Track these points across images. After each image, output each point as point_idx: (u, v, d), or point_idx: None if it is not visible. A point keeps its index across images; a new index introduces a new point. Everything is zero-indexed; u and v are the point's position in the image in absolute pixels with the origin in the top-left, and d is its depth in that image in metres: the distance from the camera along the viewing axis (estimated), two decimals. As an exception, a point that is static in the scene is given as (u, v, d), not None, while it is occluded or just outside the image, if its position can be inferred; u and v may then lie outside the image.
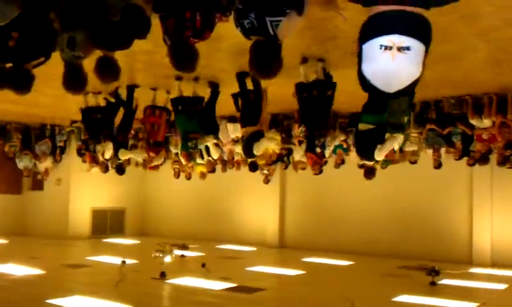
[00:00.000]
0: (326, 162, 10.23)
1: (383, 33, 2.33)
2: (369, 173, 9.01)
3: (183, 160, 10.28)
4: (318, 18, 5.83)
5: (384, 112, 7.17)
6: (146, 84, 9.85)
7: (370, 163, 8.06)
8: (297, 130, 10.44)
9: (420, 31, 2.38)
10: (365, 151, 7.30)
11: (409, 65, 2.33)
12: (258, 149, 8.99)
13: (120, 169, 11.70)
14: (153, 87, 9.99)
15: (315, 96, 7.58)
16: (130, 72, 8.91)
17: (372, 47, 2.34)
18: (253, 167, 10.82)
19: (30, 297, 9.38)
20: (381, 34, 2.33)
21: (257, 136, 8.71)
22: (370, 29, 2.38)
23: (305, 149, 8.52)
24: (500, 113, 9.47)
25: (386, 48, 2.31)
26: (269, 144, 8.32)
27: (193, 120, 9.37)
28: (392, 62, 2.30)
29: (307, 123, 8.10)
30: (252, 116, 8.43)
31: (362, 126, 7.27)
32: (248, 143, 8.38)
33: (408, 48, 2.30)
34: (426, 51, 2.40)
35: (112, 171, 11.79)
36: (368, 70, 2.38)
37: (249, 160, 10.03)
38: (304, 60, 7.74)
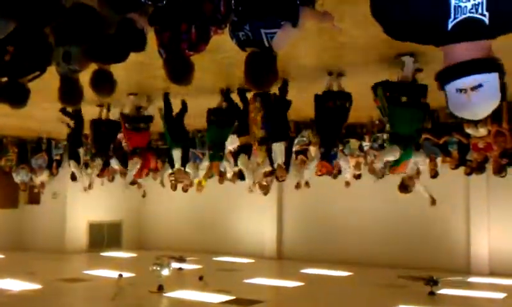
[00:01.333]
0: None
1: (456, 78, 2.52)
2: (403, 187, 9.17)
3: (215, 171, 10.21)
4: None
5: None
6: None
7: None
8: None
9: (488, 62, 2.53)
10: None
11: (486, 98, 2.50)
12: (241, 161, 9.18)
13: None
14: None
15: (335, 107, 7.82)
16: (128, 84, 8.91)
17: (450, 90, 2.56)
18: (240, 176, 10.76)
19: (27, 312, 9.33)
20: (454, 79, 2.53)
21: (246, 148, 8.92)
22: (446, 74, 2.58)
23: (320, 158, 8.69)
24: (495, 122, 9.50)
25: (461, 91, 2.49)
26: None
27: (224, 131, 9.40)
28: (469, 103, 2.50)
29: (324, 133, 8.31)
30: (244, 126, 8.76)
31: None
32: (236, 154, 8.66)
33: (480, 85, 2.47)
34: (501, 75, 2.54)
35: (108, 184, 11.80)
36: (453, 108, 2.60)
37: (237, 168, 10.08)
38: (330, 73, 7.93)
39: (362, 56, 7.24)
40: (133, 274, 13.40)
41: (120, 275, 12.30)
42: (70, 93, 4.46)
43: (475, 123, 9.51)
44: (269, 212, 18.09)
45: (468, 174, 10.94)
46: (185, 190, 14.00)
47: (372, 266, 15.38)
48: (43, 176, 14.68)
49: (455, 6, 2.38)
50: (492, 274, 14.19)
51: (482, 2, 2.35)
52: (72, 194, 18.46)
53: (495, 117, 9.54)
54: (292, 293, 11.68)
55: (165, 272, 10.91)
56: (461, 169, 11.06)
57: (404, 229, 15.62)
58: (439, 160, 10.95)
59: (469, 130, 9.81)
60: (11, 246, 18.76)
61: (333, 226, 16.80)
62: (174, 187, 12.76)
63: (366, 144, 11.22)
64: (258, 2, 3.51)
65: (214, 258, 17.43)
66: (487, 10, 2.35)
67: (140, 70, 7.97)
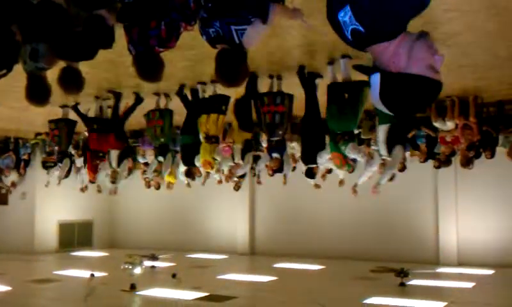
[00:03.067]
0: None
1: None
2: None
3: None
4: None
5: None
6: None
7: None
8: None
9: (368, 67, 2.93)
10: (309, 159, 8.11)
11: (372, 93, 2.86)
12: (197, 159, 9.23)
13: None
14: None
15: (347, 98, 7.49)
16: (97, 82, 8.81)
17: None
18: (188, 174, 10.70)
19: (-4, 314, 9.17)
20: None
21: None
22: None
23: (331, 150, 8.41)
24: (462, 115, 9.69)
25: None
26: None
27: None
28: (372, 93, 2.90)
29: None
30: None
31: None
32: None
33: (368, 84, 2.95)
34: (382, 73, 2.86)
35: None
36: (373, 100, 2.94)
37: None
38: (331, 62, 7.70)
39: (330, 53, 7.34)
40: (105, 273, 13.27)
41: (92, 275, 12.17)
42: (37, 91, 4.38)
43: (442, 117, 9.69)
44: (241, 207, 18.11)
45: (437, 167, 11.13)
46: (156, 187, 13.92)
47: (343, 259, 15.55)
48: (13, 176, 14.42)
49: (343, 21, 2.82)
50: (460, 264, 14.50)
51: (351, 14, 2.77)
52: (40, 194, 18.16)
53: (462, 111, 9.74)
54: (265, 288, 11.73)
55: (137, 270, 10.81)
56: (430, 162, 11.26)
57: (374, 223, 15.83)
58: (407, 153, 11.10)
59: (437, 124, 9.99)
60: (-22, 248, 18.38)
61: (304, 221, 16.92)
62: (148, 185, 12.68)
63: None
64: (228, -1, 3.51)
65: (187, 255, 17.38)
66: (356, 21, 2.75)
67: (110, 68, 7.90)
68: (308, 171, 8.47)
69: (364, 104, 7.45)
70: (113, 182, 10.18)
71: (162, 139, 9.73)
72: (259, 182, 12.41)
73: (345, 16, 2.78)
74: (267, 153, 9.00)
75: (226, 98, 8.58)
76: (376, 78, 2.79)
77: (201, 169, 9.70)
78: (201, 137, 8.89)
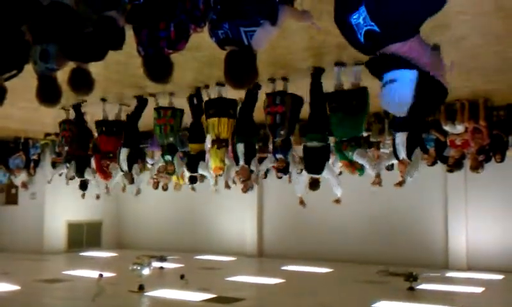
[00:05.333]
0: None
1: (379, 76, 2.91)
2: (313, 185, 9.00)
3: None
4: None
5: (326, 131, 7.70)
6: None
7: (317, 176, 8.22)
8: None
9: (399, 60, 2.82)
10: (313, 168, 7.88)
11: (399, 91, 2.77)
12: (201, 167, 9.26)
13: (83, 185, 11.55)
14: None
15: (355, 104, 7.42)
16: (104, 83, 8.85)
17: (381, 87, 2.91)
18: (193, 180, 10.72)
19: (5, 313, 9.22)
20: (379, 77, 2.92)
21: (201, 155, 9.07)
22: (374, 75, 3.00)
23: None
24: (472, 119, 9.62)
25: (384, 85, 2.85)
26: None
27: None
28: (389, 94, 2.83)
29: None
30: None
31: (309, 144, 7.66)
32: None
33: (394, 80, 2.80)
34: (421, 71, 2.79)
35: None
36: (383, 105, 2.93)
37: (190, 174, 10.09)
38: (342, 64, 7.59)
39: (339, 55, 7.31)
40: (113, 274, 13.31)
41: (100, 275, 12.19)
42: (48, 92, 4.41)
43: (453, 120, 9.64)
44: (250, 209, 18.10)
45: (449, 171, 11.06)
46: (164, 189, 13.94)
47: (352, 262, 15.49)
48: (22, 177, 14.49)
49: (356, 24, 2.81)
50: (470, 268, 14.40)
51: (366, 15, 2.76)
52: (50, 194, 18.27)
53: (472, 114, 9.68)
54: (273, 290, 11.71)
55: (145, 271, 10.84)
56: (439, 165, 11.20)
57: (383, 226, 15.76)
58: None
59: (447, 127, 9.93)
60: (-12, 247, 18.51)
61: (313, 223, 16.88)
62: (156, 186, 12.69)
63: None
64: (237, 1, 3.51)
65: (195, 257, 17.40)
66: (372, 20, 2.74)
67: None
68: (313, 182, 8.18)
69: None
70: (131, 183, 10.29)
71: (171, 138, 9.74)
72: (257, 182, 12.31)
73: (359, 18, 2.78)
74: (272, 155, 8.94)
75: (234, 102, 8.61)
76: (405, 76, 2.73)
77: (212, 174, 9.71)
78: (210, 140, 8.90)
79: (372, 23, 2.74)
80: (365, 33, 2.80)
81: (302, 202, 8.51)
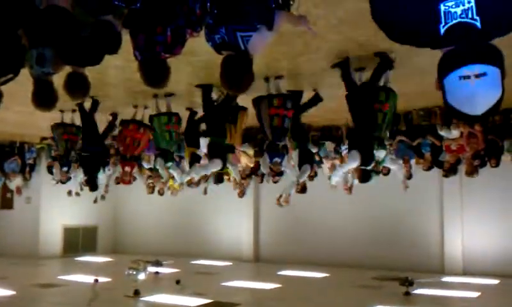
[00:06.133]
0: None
1: (460, 66, 2.53)
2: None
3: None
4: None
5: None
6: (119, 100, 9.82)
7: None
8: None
9: (492, 56, 2.57)
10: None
11: (489, 87, 2.52)
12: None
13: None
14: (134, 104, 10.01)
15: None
16: (101, 88, 8.85)
17: (452, 80, 2.56)
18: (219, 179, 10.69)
19: (0, 318, 9.17)
20: (458, 68, 2.54)
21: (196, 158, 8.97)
22: (447, 65, 2.61)
23: None
24: (467, 123, 9.66)
25: (464, 78, 2.51)
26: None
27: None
28: (473, 88, 2.50)
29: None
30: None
31: None
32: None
33: (484, 74, 2.50)
34: (502, 73, 2.59)
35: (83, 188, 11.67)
36: (454, 100, 2.59)
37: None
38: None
39: (336, 60, 7.32)
40: (109, 279, 13.26)
41: (96, 280, 12.17)
42: (44, 96, 4.40)
43: (448, 125, 9.67)
44: (246, 214, 18.09)
45: (445, 176, 11.12)
46: (161, 193, 13.92)
47: (348, 267, 15.49)
48: (18, 181, 14.45)
49: (445, 12, 2.49)
50: (466, 273, 14.42)
51: (472, 7, 2.45)
52: (46, 199, 18.23)
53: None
54: (269, 295, 11.69)
55: (141, 276, 10.81)
56: (435, 170, 11.24)
57: (379, 231, 15.77)
58: (413, 162, 11.10)
59: (442, 132, 9.97)
60: (-17, 252, 18.43)
61: (309, 228, 16.88)
62: (151, 190, 12.69)
63: (345, 147, 11.24)
64: (234, 6, 3.52)
65: (191, 262, 17.36)
66: (477, 15, 2.45)
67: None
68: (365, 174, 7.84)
69: None
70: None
71: (175, 145, 9.76)
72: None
73: (457, 6, 2.49)
74: (267, 155, 8.80)
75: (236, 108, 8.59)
76: (494, 72, 2.50)
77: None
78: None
79: (476, 18, 2.47)
80: (455, 26, 2.51)
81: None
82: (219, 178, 10.57)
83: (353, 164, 7.24)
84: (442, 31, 2.53)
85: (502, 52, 2.58)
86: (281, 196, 9.03)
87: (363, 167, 7.41)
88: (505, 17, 2.50)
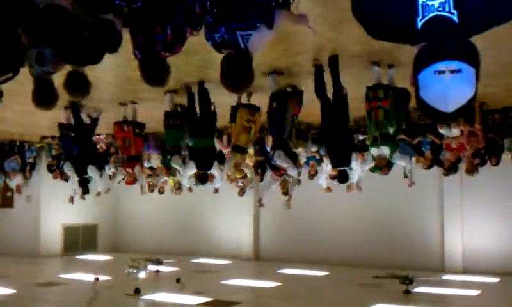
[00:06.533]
0: None
1: (436, 61, 2.50)
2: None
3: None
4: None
5: None
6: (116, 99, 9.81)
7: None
8: None
9: (470, 55, 2.56)
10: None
11: (462, 84, 2.51)
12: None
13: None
14: (122, 102, 9.94)
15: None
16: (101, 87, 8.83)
17: (427, 75, 2.53)
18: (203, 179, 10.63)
19: (0, 317, 9.18)
20: (433, 63, 2.51)
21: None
22: (423, 60, 2.57)
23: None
24: (467, 122, 9.66)
25: (439, 72, 2.49)
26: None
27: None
28: (447, 83, 2.49)
29: None
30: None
31: None
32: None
33: (459, 71, 2.49)
34: (477, 74, 2.57)
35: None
36: (427, 95, 2.56)
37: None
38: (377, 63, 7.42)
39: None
40: (109, 277, 13.28)
41: (96, 279, 12.18)
42: (44, 95, 4.40)
43: (448, 123, 9.65)
44: (246, 212, 18.09)
45: (445, 174, 11.10)
46: (161, 192, 13.92)
47: (348, 265, 15.50)
48: (17, 180, 14.45)
49: (422, 5, 2.46)
50: (466, 271, 14.43)
51: (449, 1, 2.43)
52: (46, 197, 18.23)
53: (467, 117, 9.70)
54: (269, 294, 11.71)
55: (141, 274, 10.83)
56: (435, 168, 11.23)
57: (379, 229, 15.78)
58: (413, 160, 11.09)
59: (442, 131, 9.95)
60: (-17, 250, 18.44)
61: (309, 227, 16.89)
62: (151, 189, 12.69)
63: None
64: (234, 5, 3.52)
65: (192, 260, 17.38)
66: (454, 8, 2.43)
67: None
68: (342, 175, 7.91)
69: None
70: None
71: (182, 143, 9.72)
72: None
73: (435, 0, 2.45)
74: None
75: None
76: (469, 70, 2.49)
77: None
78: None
79: (454, 12, 2.45)
80: (432, 19, 2.48)
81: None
82: (202, 178, 10.40)
83: (328, 166, 7.31)
84: (419, 24, 2.51)
85: (479, 53, 2.56)
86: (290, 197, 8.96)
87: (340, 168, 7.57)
88: (484, 13, 2.48)
